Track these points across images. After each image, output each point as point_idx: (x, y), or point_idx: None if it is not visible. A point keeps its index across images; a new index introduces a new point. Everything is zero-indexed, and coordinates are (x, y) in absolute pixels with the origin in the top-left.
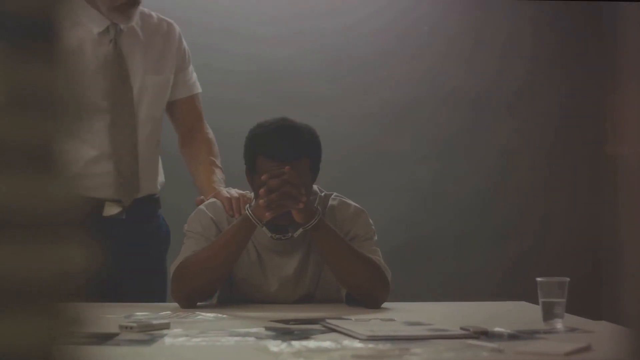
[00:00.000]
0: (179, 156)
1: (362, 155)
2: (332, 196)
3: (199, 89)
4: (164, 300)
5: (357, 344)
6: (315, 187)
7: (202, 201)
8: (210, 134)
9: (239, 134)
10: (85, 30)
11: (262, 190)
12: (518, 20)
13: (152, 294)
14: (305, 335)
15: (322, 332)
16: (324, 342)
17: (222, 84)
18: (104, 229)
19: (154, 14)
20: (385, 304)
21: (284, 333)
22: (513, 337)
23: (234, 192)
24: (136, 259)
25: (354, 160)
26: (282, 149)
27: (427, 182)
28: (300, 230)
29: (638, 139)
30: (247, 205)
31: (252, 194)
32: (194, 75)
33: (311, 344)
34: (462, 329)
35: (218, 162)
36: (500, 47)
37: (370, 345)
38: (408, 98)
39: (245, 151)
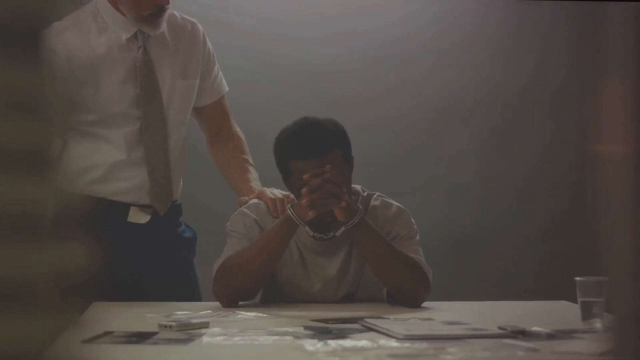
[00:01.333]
0: (208, 158)
1: (402, 153)
2: (374, 196)
3: (225, 88)
4: None
5: (394, 343)
6: (358, 187)
7: (245, 202)
8: (239, 132)
9: None
10: (114, 36)
11: (304, 190)
12: (557, 20)
13: (179, 300)
14: (342, 335)
15: (360, 332)
16: (360, 341)
17: (263, 86)
18: (126, 234)
19: (176, 13)
20: (425, 303)
21: (322, 332)
22: (551, 336)
23: (278, 192)
24: (159, 264)
25: (393, 158)
26: (310, 146)
27: (466, 180)
28: (342, 229)
29: (621, 138)
30: (289, 205)
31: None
32: (220, 74)
33: (347, 343)
34: (499, 328)
35: (250, 160)
36: (540, 46)
37: (407, 344)
38: (448, 96)
39: (276, 159)
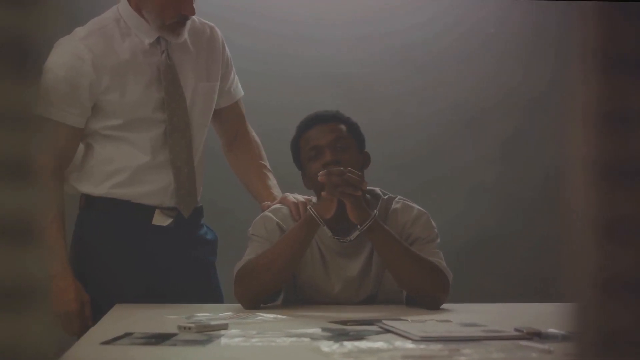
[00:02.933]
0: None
1: (421, 155)
2: (396, 199)
3: (241, 92)
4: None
5: (409, 345)
6: (377, 190)
7: (268, 207)
8: (256, 137)
9: None
10: (137, 41)
11: (321, 172)
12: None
13: (200, 302)
14: (359, 336)
15: (377, 333)
16: (376, 343)
17: (282, 89)
18: (150, 236)
19: (194, 17)
20: (444, 305)
21: (340, 334)
22: (566, 338)
23: (300, 197)
24: (182, 266)
25: (412, 161)
26: (319, 114)
27: (484, 182)
28: (357, 232)
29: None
30: (309, 206)
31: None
32: (236, 78)
33: (363, 344)
34: (516, 330)
35: (268, 166)
36: (560, 50)
37: (422, 346)
38: (467, 99)
39: (292, 151)
